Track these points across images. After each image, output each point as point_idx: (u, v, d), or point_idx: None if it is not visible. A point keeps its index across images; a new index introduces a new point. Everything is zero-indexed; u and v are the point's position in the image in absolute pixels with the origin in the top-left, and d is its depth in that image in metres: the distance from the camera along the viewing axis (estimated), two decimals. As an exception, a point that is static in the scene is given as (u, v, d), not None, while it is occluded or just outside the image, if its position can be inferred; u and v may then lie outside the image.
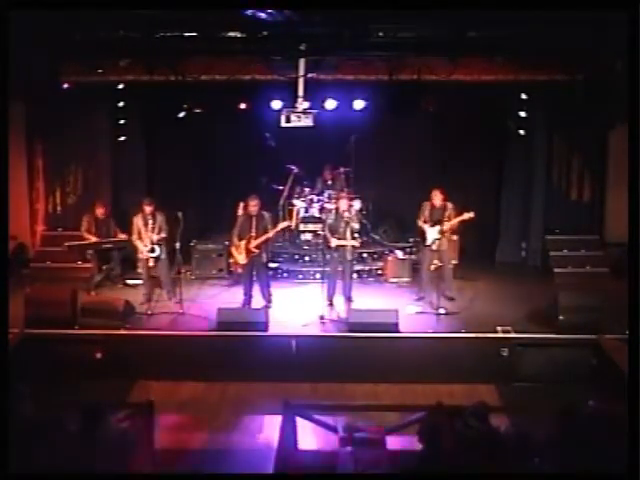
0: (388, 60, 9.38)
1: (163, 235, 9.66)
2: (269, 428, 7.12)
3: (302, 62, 9.15)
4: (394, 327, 8.68)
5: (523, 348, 8.51)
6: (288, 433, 5.98)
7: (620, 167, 9.76)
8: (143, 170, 12.02)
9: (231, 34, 8.62)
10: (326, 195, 11.59)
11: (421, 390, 8.10)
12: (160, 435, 6.44)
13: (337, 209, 9.90)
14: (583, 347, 8.50)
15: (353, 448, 5.51)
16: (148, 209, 9.63)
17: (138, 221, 9.65)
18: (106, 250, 10.55)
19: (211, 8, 7.55)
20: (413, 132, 12.02)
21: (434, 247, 9.69)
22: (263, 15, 8.03)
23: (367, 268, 11.18)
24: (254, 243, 9.45)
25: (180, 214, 9.29)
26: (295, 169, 11.75)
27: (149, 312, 9.46)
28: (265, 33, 8.46)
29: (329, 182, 11.83)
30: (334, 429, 6.05)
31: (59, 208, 11.62)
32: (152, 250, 9.63)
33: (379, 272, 11.18)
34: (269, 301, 9.78)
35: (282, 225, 10.06)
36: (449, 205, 9.71)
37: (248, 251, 9.49)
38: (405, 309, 9.48)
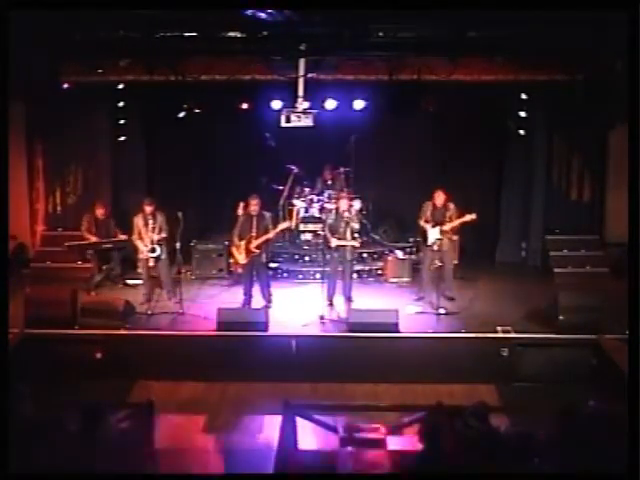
0: (388, 60, 9.38)
1: (164, 235, 9.66)
2: (269, 428, 7.11)
3: (302, 62, 9.15)
4: (394, 327, 8.68)
5: (523, 348, 8.52)
6: (288, 433, 5.98)
7: (620, 167, 9.75)
8: (143, 170, 12.02)
9: (231, 34, 8.62)
10: (326, 195, 11.59)
11: (421, 390, 8.10)
12: (160, 435, 6.44)
13: (337, 209, 9.91)
14: (583, 347, 8.50)
15: (353, 448, 5.51)
16: (149, 209, 9.63)
17: (139, 221, 9.65)
18: (106, 250, 10.56)
19: (211, 8, 7.56)
20: (413, 132, 12.02)
21: (435, 247, 9.67)
22: (263, 15, 8.03)
23: (367, 268, 11.18)
24: (255, 243, 9.45)
25: (180, 214, 9.30)
26: (295, 169, 11.75)
27: (149, 312, 9.46)
28: (265, 33, 8.47)
29: (329, 182, 11.83)
30: (334, 429, 6.04)
31: (59, 208, 11.61)
32: (152, 250, 9.63)
33: (379, 272, 11.19)
34: (269, 301, 9.78)
35: (282, 226, 10.06)
36: (451, 206, 9.69)
37: (248, 251, 9.49)
38: (405, 309, 9.48)
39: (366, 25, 8.48)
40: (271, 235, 9.58)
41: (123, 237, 10.39)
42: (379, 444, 5.64)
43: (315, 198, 11.67)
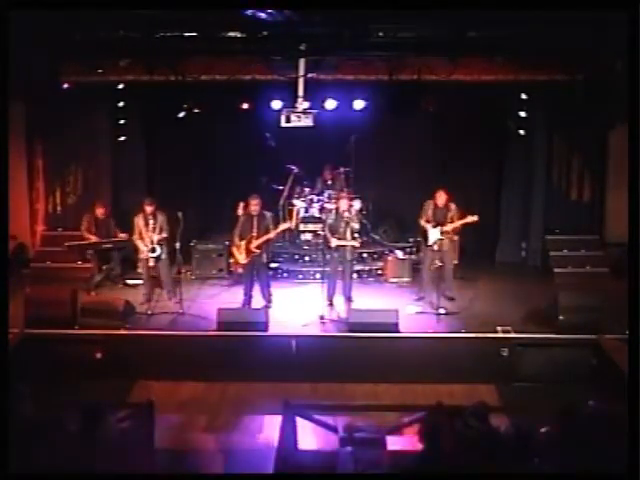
0: (388, 60, 9.38)
1: (164, 235, 9.66)
2: (269, 428, 7.11)
3: (302, 62, 9.15)
4: (394, 327, 8.69)
5: (523, 348, 8.52)
6: (288, 433, 5.98)
7: (620, 167, 9.75)
8: (143, 170, 12.02)
9: (231, 34, 8.62)
10: (326, 195, 11.59)
11: (421, 390, 8.10)
12: (160, 435, 6.43)
13: (337, 209, 9.91)
14: (583, 347, 8.50)
15: (353, 448, 5.50)
16: (149, 209, 9.64)
17: (139, 221, 9.65)
18: (106, 250, 10.56)
19: (211, 8, 7.56)
20: (413, 132, 12.02)
21: (435, 247, 9.66)
22: (263, 15, 8.03)
23: (367, 268, 11.18)
24: (255, 243, 9.45)
25: (180, 214, 9.30)
26: (295, 169, 11.75)
27: (149, 312, 9.47)
28: (265, 33, 8.46)
29: (329, 182, 11.83)
30: (334, 429, 6.04)
31: (59, 208, 11.61)
32: (153, 250, 9.63)
33: (379, 272, 11.19)
34: (269, 301, 9.78)
35: (283, 227, 10.06)
36: (452, 206, 9.68)
37: (249, 251, 9.49)
38: (405, 309, 9.48)
39: (366, 25, 8.48)
40: (272, 235, 9.58)
41: (123, 237, 10.39)
42: (379, 444, 5.64)
43: (315, 198, 11.66)
